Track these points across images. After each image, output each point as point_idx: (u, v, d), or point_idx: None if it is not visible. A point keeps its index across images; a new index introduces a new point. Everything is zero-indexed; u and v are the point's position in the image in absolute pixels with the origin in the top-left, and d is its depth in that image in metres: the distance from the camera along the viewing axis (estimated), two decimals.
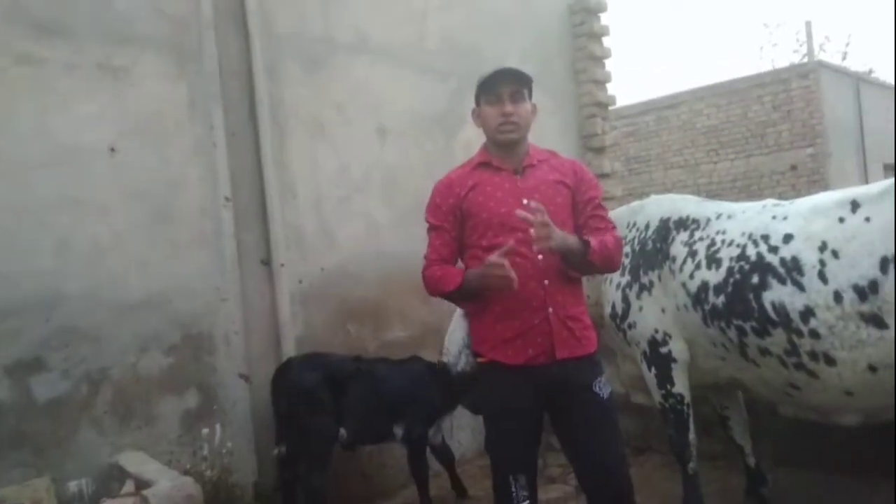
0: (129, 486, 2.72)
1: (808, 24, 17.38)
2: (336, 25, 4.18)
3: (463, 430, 4.34)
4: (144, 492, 2.53)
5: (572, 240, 2.34)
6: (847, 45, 20.14)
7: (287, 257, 3.77)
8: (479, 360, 2.49)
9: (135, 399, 3.17)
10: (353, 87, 4.22)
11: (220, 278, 3.50)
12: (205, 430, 3.36)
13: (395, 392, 3.50)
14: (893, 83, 15.38)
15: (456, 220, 2.48)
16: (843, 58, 19.05)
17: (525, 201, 2.35)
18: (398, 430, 3.51)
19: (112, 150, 3.21)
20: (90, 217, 3.14)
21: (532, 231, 2.21)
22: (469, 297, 2.46)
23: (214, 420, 3.40)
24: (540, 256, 2.35)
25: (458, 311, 3.33)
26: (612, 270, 2.68)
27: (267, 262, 3.72)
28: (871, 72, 18.17)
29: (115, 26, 3.28)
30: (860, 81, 13.01)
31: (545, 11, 5.65)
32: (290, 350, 3.67)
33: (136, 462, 2.92)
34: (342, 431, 3.39)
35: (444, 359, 3.34)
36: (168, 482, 2.61)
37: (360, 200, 4.17)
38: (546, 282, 2.37)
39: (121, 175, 3.24)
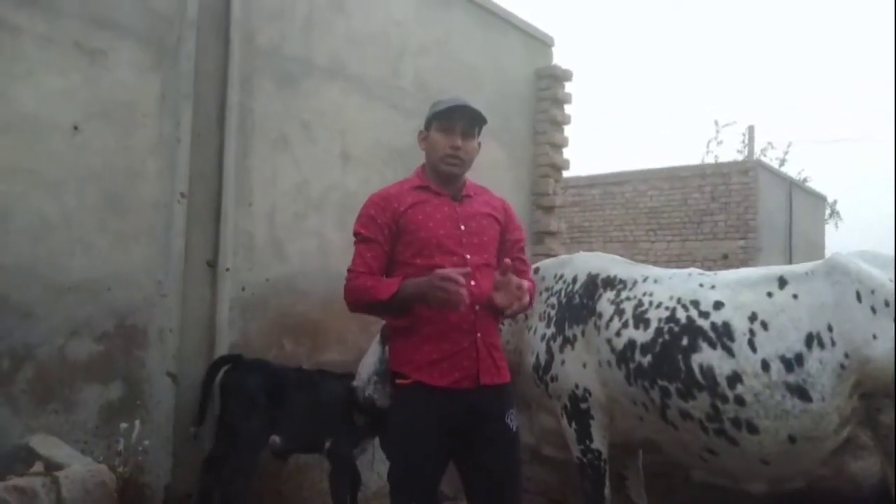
0: (38, 468, 2.60)
1: (751, 129, 18.41)
2: (315, 49, 4.27)
3: (385, 464, 4.29)
4: (57, 473, 2.44)
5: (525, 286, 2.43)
6: (786, 153, 21.07)
7: (234, 263, 3.74)
8: (400, 382, 2.43)
9: (57, 382, 3.06)
10: (323, 110, 4.28)
11: (163, 273, 3.45)
12: (123, 425, 3.25)
13: (331, 404, 3.47)
14: (824, 193, 16.40)
15: (390, 235, 2.45)
16: (781, 164, 20.06)
17: (462, 227, 2.46)
18: (327, 443, 3.47)
19: (75, 128, 3.18)
20: (40, 191, 3.07)
21: (499, 296, 2.37)
22: (399, 310, 2.39)
23: (135, 416, 3.29)
24: (473, 282, 2.37)
25: (376, 338, 3.32)
26: (523, 311, 2.67)
27: (213, 265, 3.68)
28: (805, 180, 19.21)
29: (98, 9, 3.28)
30: (793, 186, 13.76)
31: (513, 72, 5.87)
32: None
33: (48, 445, 2.80)
34: (275, 438, 3.34)
35: (354, 383, 3.32)
36: (82, 467, 2.52)
37: (314, 218, 4.19)
38: (476, 307, 2.42)
39: (80, 155, 3.20)
